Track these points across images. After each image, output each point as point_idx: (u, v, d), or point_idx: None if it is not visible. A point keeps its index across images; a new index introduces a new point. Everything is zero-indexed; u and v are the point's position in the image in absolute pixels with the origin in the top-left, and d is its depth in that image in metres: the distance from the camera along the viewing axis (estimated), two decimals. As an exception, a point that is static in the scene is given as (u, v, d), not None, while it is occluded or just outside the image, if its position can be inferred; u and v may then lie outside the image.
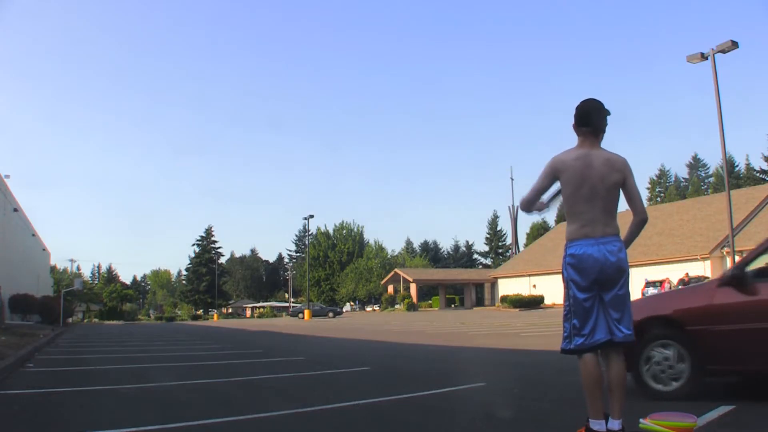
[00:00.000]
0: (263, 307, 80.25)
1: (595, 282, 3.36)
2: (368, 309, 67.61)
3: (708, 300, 4.91)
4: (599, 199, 3.40)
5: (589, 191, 3.38)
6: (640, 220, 3.58)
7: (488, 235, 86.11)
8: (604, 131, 3.54)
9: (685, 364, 4.80)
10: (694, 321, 4.85)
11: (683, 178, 78.34)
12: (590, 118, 3.51)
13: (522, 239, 74.70)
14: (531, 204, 3.57)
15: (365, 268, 71.29)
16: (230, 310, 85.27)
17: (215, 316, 71.25)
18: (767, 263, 4.82)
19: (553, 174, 3.46)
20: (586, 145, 3.50)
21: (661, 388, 4.87)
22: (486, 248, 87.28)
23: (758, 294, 4.51)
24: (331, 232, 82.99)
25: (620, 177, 3.47)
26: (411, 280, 60.64)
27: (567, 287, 3.43)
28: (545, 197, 3.61)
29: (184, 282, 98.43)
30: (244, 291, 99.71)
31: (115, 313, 65.39)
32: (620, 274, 3.39)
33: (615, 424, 3.26)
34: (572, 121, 3.58)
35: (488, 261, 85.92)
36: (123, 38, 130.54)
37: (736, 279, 4.72)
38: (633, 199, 3.55)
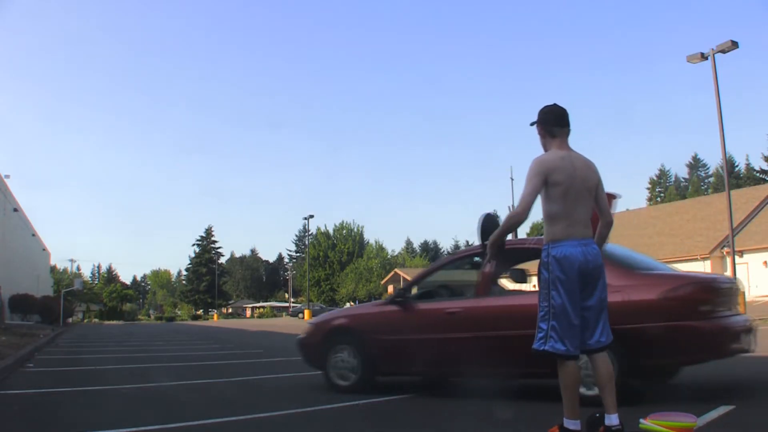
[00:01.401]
0: (263, 307, 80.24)
1: (580, 283, 3.36)
2: (368, 309, 67.55)
3: (378, 314, 6.12)
4: (582, 200, 3.44)
5: (575, 192, 3.41)
6: (608, 223, 3.66)
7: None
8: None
9: (358, 364, 5.88)
10: (366, 330, 5.96)
11: (683, 178, 78.32)
12: (565, 120, 3.57)
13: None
14: (529, 211, 3.42)
15: (365, 268, 71.25)
16: (230, 310, 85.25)
17: (215, 316, 71.25)
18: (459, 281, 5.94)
19: (544, 174, 3.39)
20: (564, 147, 3.54)
21: (341, 383, 5.95)
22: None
23: (415, 312, 5.73)
24: (331, 232, 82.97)
25: (597, 179, 3.55)
26: (411, 280, 60.60)
27: (550, 288, 3.37)
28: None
29: (184, 282, 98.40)
30: (244, 291, 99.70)
31: (115, 313, 65.45)
32: (600, 273, 3.43)
33: (613, 418, 3.28)
34: (540, 120, 3.60)
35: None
36: (123, 38, 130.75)
37: (400, 299, 5.95)
38: (602, 201, 3.61)
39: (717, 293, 4.85)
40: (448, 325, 5.45)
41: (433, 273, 6.49)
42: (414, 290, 6.27)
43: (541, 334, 3.39)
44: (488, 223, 3.87)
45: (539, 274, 3.48)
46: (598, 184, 3.56)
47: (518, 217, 3.42)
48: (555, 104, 3.63)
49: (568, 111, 3.61)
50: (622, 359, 4.47)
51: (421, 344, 5.63)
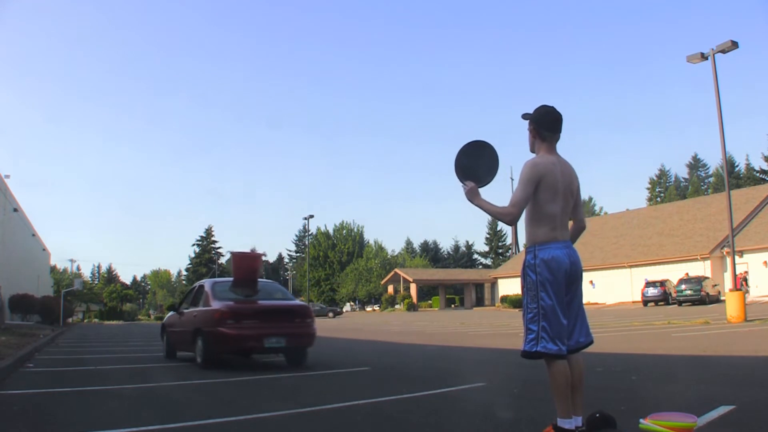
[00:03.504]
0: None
1: (565, 285, 3.41)
2: (368, 309, 67.59)
3: (170, 317, 10.79)
4: (566, 205, 3.52)
5: (562, 197, 3.49)
6: (581, 228, 3.75)
7: (488, 235, 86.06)
8: None
9: (166, 342, 10.75)
10: (166, 325, 10.84)
11: (683, 178, 78.37)
12: (560, 126, 3.60)
13: (522, 239, 74.72)
14: (520, 216, 3.44)
15: (365, 268, 71.27)
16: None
17: (215, 316, 71.00)
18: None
19: (538, 179, 3.43)
20: (552, 151, 3.58)
21: (166, 350, 10.68)
22: (486, 248, 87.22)
23: (178, 315, 10.16)
24: (331, 232, 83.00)
25: (577, 184, 3.62)
26: (411, 280, 60.64)
27: (539, 289, 3.39)
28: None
29: (184, 282, 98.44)
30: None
31: (115, 313, 65.24)
32: (581, 277, 3.54)
33: (579, 420, 3.37)
34: (534, 120, 3.60)
35: (488, 261, 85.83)
36: (123, 37, 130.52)
37: (172, 308, 10.90)
38: (579, 207, 3.68)
39: (238, 313, 8.44)
40: (182, 323, 9.77)
41: (188, 295, 10.44)
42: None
43: (531, 336, 3.39)
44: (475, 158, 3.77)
45: (525, 277, 3.48)
46: (578, 189, 3.64)
47: (509, 218, 3.41)
48: (553, 108, 3.62)
49: (563, 116, 3.61)
50: (205, 347, 8.54)
51: (179, 333, 9.86)
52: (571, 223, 3.71)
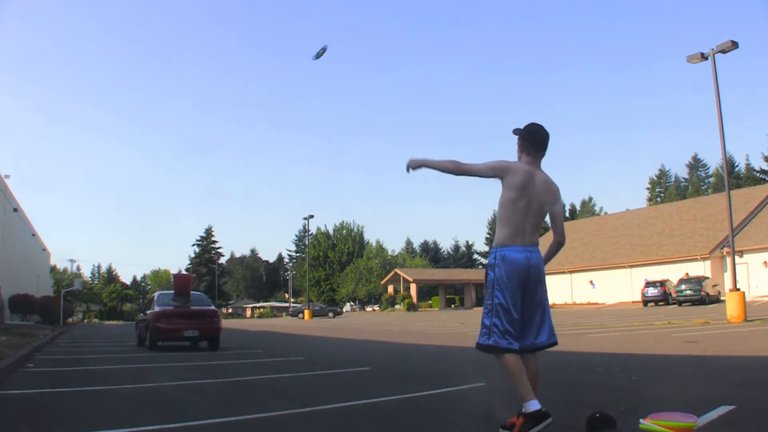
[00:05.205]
0: (263, 307, 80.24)
1: (520, 286, 3.57)
2: (368, 309, 67.58)
3: (141, 317, 15.83)
4: (531, 213, 3.68)
5: (526, 204, 3.65)
6: (558, 242, 3.91)
7: (488, 235, 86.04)
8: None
9: (137, 335, 15.28)
10: (139, 322, 15.78)
11: (683, 178, 78.36)
12: (545, 145, 3.82)
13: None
14: (460, 174, 3.68)
15: (365, 268, 71.25)
16: (230, 311, 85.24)
17: (215, 316, 70.90)
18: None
19: (500, 172, 3.65)
20: (533, 164, 3.78)
21: (146, 344, 13.59)
22: (486, 248, 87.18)
23: (145, 315, 14.23)
24: (331, 232, 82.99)
25: (553, 200, 3.80)
26: (411, 280, 60.64)
27: (494, 288, 3.60)
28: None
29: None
30: (244, 291, 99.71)
31: (115, 313, 65.25)
32: (541, 279, 3.68)
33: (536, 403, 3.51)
34: (522, 136, 3.83)
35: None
36: (123, 37, 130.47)
37: (143, 311, 18.24)
38: (558, 221, 3.89)
39: (167, 314, 12.69)
40: (143, 320, 13.97)
41: (149, 302, 14.59)
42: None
43: (484, 330, 3.62)
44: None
45: (486, 275, 3.71)
46: (555, 204, 3.81)
47: (452, 167, 3.67)
48: (541, 128, 3.85)
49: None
50: (149, 336, 12.93)
51: (142, 327, 14.02)
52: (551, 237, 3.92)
